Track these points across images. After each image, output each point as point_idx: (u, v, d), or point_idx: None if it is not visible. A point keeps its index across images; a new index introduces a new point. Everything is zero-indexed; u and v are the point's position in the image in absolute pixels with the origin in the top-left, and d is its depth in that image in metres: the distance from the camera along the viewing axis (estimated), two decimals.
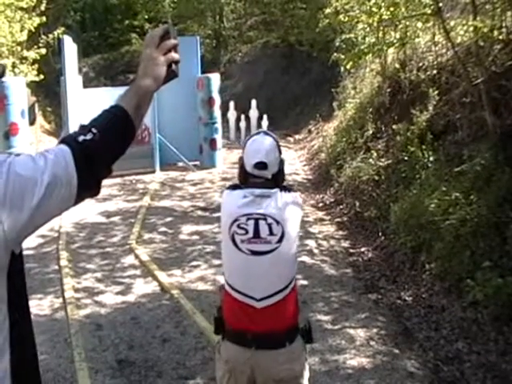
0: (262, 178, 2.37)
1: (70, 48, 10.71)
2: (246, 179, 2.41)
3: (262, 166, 2.36)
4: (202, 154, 11.37)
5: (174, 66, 1.47)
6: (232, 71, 17.18)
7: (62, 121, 10.81)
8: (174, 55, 1.46)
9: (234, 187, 2.46)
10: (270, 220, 2.29)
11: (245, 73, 17.13)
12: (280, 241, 2.29)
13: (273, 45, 17.17)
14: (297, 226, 2.39)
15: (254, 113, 13.47)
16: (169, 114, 10.94)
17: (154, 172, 10.61)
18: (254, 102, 13.51)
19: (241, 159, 2.47)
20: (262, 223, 2.29)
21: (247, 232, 2.29)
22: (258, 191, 2.34)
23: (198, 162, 11.24)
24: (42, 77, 12.75)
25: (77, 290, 5.28)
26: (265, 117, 12.82)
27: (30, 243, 6.76)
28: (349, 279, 5.40)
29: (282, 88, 15.47)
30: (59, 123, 12.96)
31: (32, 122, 10.46)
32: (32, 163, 1.22)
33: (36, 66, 12.91)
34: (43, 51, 13.19)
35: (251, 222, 2.29)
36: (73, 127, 9.45)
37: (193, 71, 11.13)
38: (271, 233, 2.29)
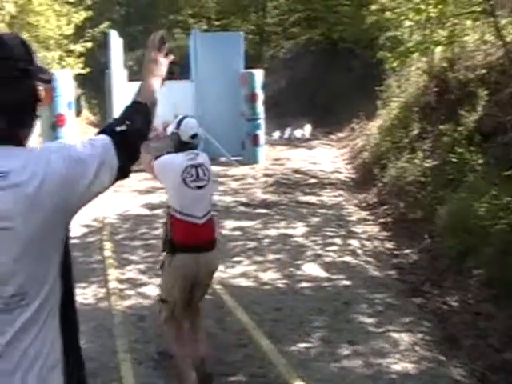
0: (193, 143, 3.71)
1: (116, 42, 10.91)
2: (182, 146, 3.67)
3: (196, 135, 3.71)
4: (244, 149, 11.32)
5: (172, 66, 1.77)
6: (274, 67, 17.09)
7: (107, 113, 10.81)
8: (171, 56, 1.73)
9: (173, 152, 3.71)
10: (203, 167, 3.67)
11: (287, 69, 17.06)
12: (208, 180, 3.67)
13: (316, 41, 17.03)
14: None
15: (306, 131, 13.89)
16: (212, 109, 10.98)
17: None
18: (308, 126, 13.96)
19: (175, 134, 3.69)
20: (199, 169, 3.63)
21: (192, 175, 3.60)
22: (194, 151, 3.68)
23: (240, 158, 11.18)
24: (87, 70, 12.97)
25: (120, 281, 5.29)
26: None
27: (74, 233, 6.86)
28: (393, 281, 5.30)
29: (324, 85, 15.33)
30: (104, 115, 13.01)
31: (78, 113, 10.67)
32: (86, 150, 1.45)
33: (82, 59, 13.13)
34: (89, 45, 13.37)
35: (194, 169, 3.60)
36: None
37: (236, 66, 11.25)
38: (204, 174, 3.65)
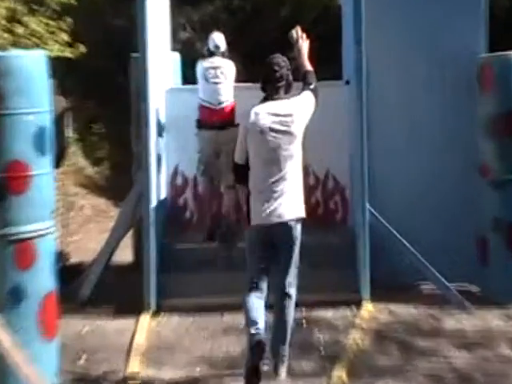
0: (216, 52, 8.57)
1: None
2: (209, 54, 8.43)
3: (218, 47, 8.46)
4: (485, 263, 8.89)
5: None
6: None
7: (140, 155, 8.80)
8: (306, 40, 6.32)
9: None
10: (220, 69, 8.51)
11: None
12: (225, 78, 8.34)
13: None
14: None
15: None
16: (392, 147, 8.82)
17: (354, 304, 8.51)
18: None
19: (206, 46, 8.72)
20: (217, 70, 8.42)
21: (211, 74, 8.22)
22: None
23: (474, 286, 9.04)
24: (79, 49, 12.33)
25: None
26: None
27: None
28: None
29: None
30: (127, 160, 10.88)
31: (58, 161, 8.12)
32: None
33: (64, 25, 12.34)
34: None
35: (213, 70, 8.34)
36: None
37: (471, 50, 8.97)
38: (222, 73, 8.41)
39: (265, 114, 5.58)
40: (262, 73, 5.77)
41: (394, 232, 8.55)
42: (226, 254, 8.45)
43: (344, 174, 9.29)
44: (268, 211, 5.59)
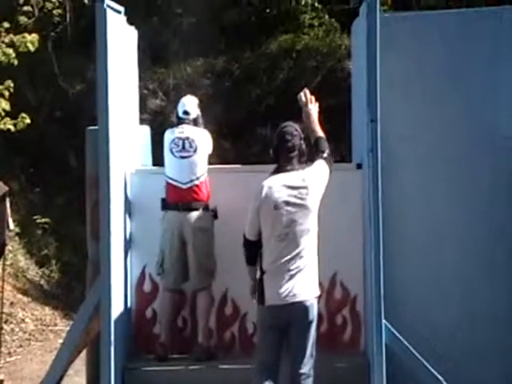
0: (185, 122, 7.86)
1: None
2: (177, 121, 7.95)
3: (187, 112, 7.81)
4: None
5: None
6: None
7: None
8: (316, 103, 6.89)
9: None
10: (188, 140, 7.57)
11: None
12: (195, 151, 7.46)
13: None
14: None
15: None
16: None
17: None
18: None
19: (175, 111, 8.42)
20: (186, 142, 7.52)
21: (179, 146, 7.41)
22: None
23: None
24: (24, 120, 11.67)
25: None
26: None
27: None
28: None
29: None
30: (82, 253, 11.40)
31: None
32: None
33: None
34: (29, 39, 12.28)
35: (181, 142, 7.45)
36: None
37: None
38: (190, 146, 7.49)
39: (279, 186, 5.84)
40: (273, 143, 6.12)
41: (425, 363, 6.97)
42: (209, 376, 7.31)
43: (355, 279, 8.11)
44: (283, 290, 5.80)
